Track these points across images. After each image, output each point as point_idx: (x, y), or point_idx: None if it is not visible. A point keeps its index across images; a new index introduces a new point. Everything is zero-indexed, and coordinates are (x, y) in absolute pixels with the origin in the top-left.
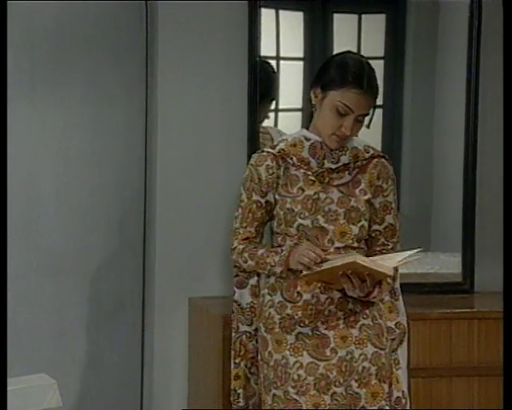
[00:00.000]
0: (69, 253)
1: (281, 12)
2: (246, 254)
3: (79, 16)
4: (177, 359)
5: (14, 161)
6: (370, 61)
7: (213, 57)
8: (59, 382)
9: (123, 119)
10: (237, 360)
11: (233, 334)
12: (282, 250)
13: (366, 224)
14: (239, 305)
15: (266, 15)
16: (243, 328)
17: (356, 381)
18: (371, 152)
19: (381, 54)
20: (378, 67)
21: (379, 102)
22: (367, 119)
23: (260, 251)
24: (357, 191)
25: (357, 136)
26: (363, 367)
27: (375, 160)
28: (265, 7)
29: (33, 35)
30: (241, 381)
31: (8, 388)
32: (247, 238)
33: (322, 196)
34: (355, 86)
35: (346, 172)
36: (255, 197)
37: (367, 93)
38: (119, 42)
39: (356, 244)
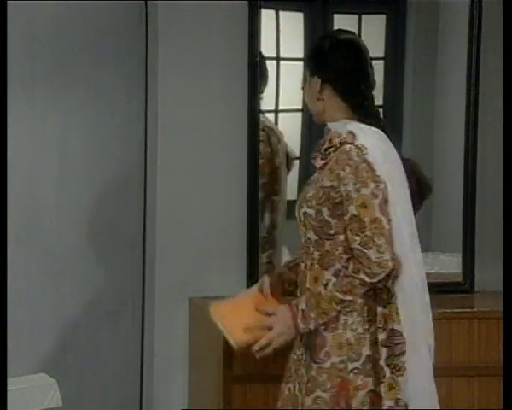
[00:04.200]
0: (69, 252)
1: (281, 12)
2: None
3: (79, 16)
4: (177, 359)
5: (14, 160)
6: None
7: (213, 58)
8: (59, 382)
9: (123, 118)
10: None
11: None
12: None
13: (310, 211)
14: None
15: (266, 15)
16: None
17: None
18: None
19: (382, 54)
20: (378, 67)
21: (379, 101)
22: None
23: None
24: (321, 177)
25: None
26: None
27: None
28: (265, 7)
29: (33, 35)
30: None
31: (8, 388)
32: None
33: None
34: None
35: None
36: None
37: None
38: (118, 42)
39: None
